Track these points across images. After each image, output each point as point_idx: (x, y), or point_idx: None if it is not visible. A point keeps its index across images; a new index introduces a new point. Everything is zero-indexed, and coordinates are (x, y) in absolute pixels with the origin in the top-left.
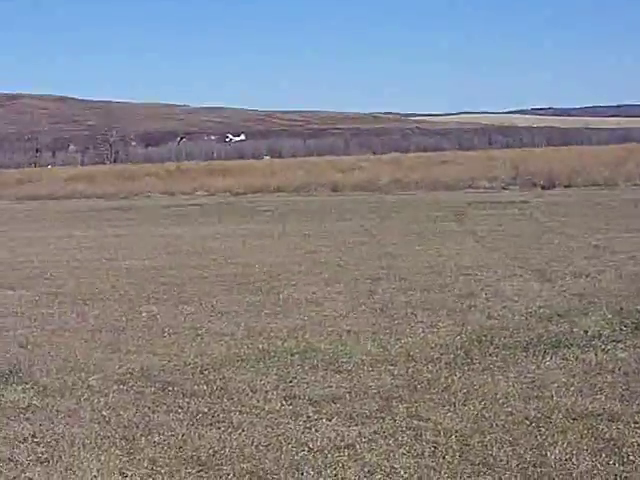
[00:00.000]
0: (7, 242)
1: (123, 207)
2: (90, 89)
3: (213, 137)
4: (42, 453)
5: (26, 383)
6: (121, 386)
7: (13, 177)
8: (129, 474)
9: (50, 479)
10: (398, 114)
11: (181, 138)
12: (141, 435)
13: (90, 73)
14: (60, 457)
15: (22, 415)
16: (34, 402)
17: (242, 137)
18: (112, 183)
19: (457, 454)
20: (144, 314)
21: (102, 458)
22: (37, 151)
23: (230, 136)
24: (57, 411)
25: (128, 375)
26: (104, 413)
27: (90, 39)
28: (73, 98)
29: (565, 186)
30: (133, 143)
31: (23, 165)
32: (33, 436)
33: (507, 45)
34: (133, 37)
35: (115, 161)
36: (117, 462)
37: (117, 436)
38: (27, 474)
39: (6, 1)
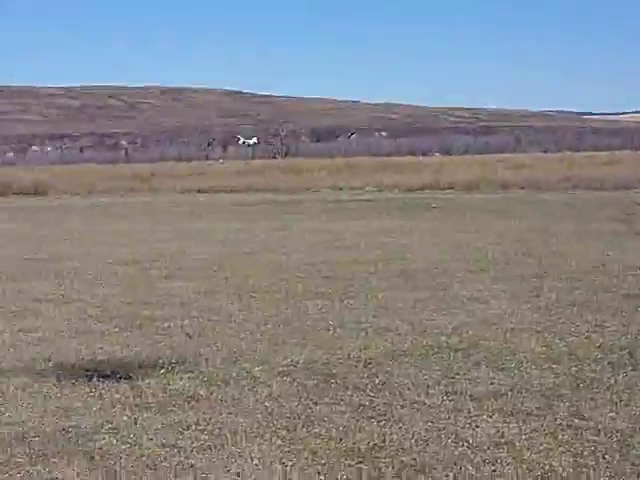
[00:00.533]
0: (174, 234)
1: (291, 201)
2: (260, 84)
3: (384, 133)
4: (205, 441)
5: (192, 372)
6: (285, 378)
7: (183, 169)
8: (289, 464)
9: (212, 466)
10: (572, 112)
11: (351, 133)
12: (302, 426)
13: (261, 68)
14: (223, 445)
15: (187, 403)
16: (199, 391)
17: (254, 140)
18: (281, 177)
19: (617, 454)
20: (309, 308)
21: (263, 447)
22: (208, 145)
23: (242, 139)
24: (221, 400)
25: (292, 367)
26: (267, 404)
27: (261, 34)
28: (243, 92)
29: None
30: (303, 138)
31: (194, 158)
32: (197, 424)
33: None
34: (302, 31)
35: (286, 155)
36: (278, 452)
37: (279, 426)
38: (190, 460)
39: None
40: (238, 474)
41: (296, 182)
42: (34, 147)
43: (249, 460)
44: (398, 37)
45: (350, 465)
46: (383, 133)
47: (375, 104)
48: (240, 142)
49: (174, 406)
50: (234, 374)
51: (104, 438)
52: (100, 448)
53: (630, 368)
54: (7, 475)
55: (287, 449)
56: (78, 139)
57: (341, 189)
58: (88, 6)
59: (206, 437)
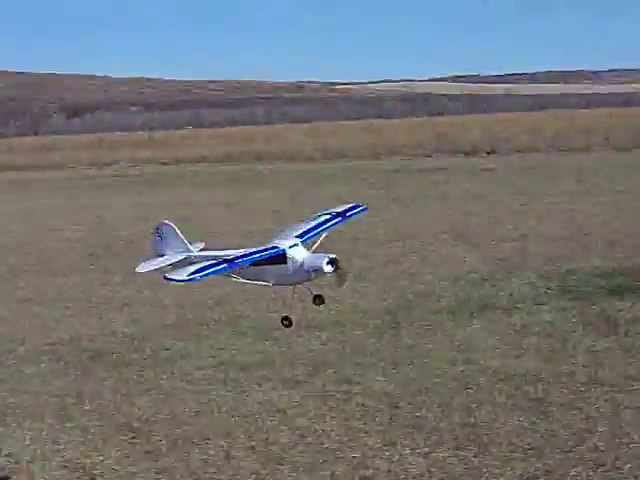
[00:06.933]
0: None
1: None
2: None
3: (134, 108)
4: None
5: None
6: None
7: None
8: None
9: None
10: (318, 82)
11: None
12: (73, 404)
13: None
14: None
15: None
16: None
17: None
18: (33, 155)
19: (387, 416)
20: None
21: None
22: None
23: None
24: None
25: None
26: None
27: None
28: None
29: (487, 152)
30: (54, 114)
31: None
32: None
33: (429, 12)
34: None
35: (37, 133)
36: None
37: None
38: None
39: None
40: (10, 454)
41: (48, 159)
42: None
43: (20, 440)
44: (151, 10)
45: (123, 440)
46: (134, 108)
47: (126, 78)
48: None
49: None
50: None
51: None
52: None
53: (394, 332)
54: None
55: (58, 427)
56: None
57: (96, 165)
58: None
59: None
